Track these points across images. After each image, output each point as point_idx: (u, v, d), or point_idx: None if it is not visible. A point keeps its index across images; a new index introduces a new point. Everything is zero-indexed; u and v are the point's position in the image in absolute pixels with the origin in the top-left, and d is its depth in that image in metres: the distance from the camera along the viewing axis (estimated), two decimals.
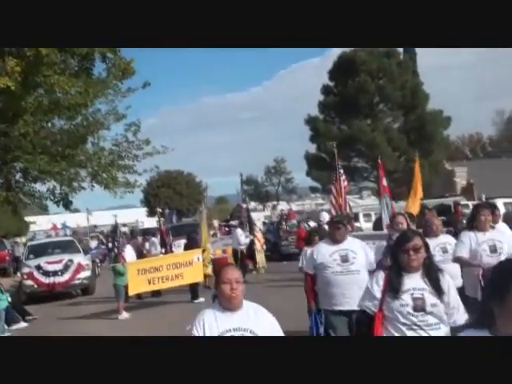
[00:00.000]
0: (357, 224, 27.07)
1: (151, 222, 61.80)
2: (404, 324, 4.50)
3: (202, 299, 16.70)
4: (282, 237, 27.86)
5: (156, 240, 21.07)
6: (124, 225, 51.72)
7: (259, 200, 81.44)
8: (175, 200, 67.22)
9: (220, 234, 27.48)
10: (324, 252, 7.18)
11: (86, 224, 55.77)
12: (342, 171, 17.39)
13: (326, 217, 31.86)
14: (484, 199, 27.22)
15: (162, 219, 21.66)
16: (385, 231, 14.89)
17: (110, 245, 31.90)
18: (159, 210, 23.69)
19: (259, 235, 23.94)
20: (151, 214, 69.62)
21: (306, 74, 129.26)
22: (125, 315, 15.54)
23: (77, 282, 20.55)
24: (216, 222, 32.02)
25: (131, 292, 16.39)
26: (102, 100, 17.33)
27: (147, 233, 35.06)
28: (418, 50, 51.71)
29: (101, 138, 18.32)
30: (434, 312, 4.52)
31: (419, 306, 4.49)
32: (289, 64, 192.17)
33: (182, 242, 25.46)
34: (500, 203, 26.42)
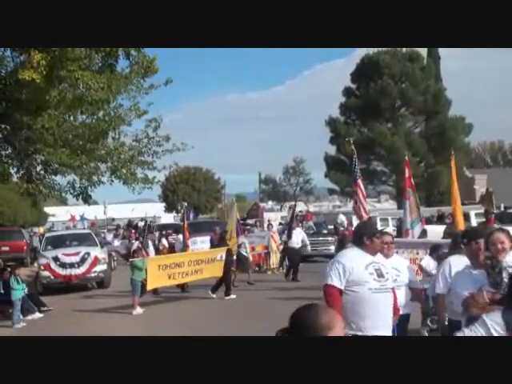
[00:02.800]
0: None
1: (169, 218, 62.11)
2: None
3: (233, 296, 16.91)
4: None
5: (181, 237, 21.23)
6: (142, 219, 51.98)
7: (277, 200, 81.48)
8: (193, 196, 67.41)
9: None
10: (359, 263, 5.88)
11: (104, 216, 56.18)
12: (359, 172, 16.96)
13: (343, 219, 31.91)
14: (503, 208, 27.06)
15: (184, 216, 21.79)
16: (415, 239, 14.36)
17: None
18: (184, 205, 23.82)
19: (276, 236, 24.02)
20: (169, 209, 69.93)
21: (329, 74, 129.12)
22: (139, 310, 15.62)
23: (93, 274, 20.77)
24: None
25: (150, 287, 16.50)
26: (124, 96, 17.44)
27: (164, 228, 35.33)
28: (442, 54, 51.49)
29: (121, 134, 18.43)
30: None
31: None
32: (313, 64, 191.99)
33: (199, 239, 25.64)
34: None
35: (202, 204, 68.05)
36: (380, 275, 5.84)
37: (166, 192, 69.03)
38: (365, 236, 6.00)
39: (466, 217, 22.59)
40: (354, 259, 5.86)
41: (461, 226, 13.76)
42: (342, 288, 5.71)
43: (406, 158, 16.57)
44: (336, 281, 5.73)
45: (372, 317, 5.71)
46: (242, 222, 37.24)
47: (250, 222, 37.43)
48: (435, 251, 10.58)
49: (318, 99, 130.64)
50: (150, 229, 38.09)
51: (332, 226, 29.97)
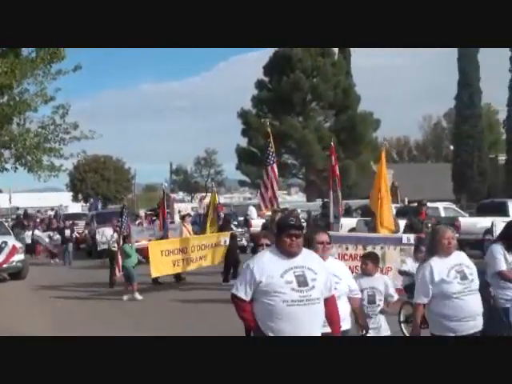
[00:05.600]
0: None
1: (76, 207, 60.78)
2: None
3: (231, 282, 16.47)
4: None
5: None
6: (52, 208, 50.50)
7: (188, 191, 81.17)
8: (102, 186, 66.17)
9: (146, 223, 27.25)
10: (273, 269, 4.87)
11: (8, 205, 54.31)
12: (273, 158, 16.15)
13: (253, 211, 32.09)
14: (407, 202, 27.95)
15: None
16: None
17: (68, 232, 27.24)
18: (164, 186, 22.95)
19: (189, 227, 23.67)
20: (76, 198, 68.38)
21: (244, 67, 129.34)
22: (138, 296, 15.30)
23: (10, 264, 19.82)
24: (142, 212, 31.67)
25: (154, 274, 16.06)
26: (30, 80, 16.88)
27: (72, 218, 34.44)
28: (352, 51, 52.47)
29: (27, 120, 17.84)
30: None
31: None
32: (229, 56, 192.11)
33: (107, 229, 25.15)
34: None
35: (111, 194, 66.87)
36: (302, 283, 4.76)
37: (74, 181, 67.39)
38: (279, 233, 4.98)
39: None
40: (266, 264, 4.87)
41: (387, 223, 13.41)
42: (248, 299, 4.86)
43: (332, 144, 15.33)
44: (241, 291, 4.88)
45: (290, 334, 4.69)
46: (151, 212, 36.85)
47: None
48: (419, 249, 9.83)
49: (233, 91, 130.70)
50: (56, 218, 37.15)
51: (242, 218, 30.11)
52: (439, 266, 5.91)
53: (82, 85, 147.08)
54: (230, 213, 34.03)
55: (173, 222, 27.64)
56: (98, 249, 25.26)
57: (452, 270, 5.87)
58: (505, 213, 23.85)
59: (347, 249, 12.02)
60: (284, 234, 4.87)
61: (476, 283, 5.92)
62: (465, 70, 46.34)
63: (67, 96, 17.21)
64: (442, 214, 24.91)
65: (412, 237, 12.41)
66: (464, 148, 47.15)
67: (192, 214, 28.68)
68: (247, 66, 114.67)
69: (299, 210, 31.60)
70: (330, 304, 5.01)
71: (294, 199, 58.37)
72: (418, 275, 6.15)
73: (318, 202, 33.76)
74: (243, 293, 4.87)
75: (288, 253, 4.84)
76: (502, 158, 49.79)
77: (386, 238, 12.36)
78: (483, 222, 22.91)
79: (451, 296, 5.80)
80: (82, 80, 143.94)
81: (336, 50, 50.20)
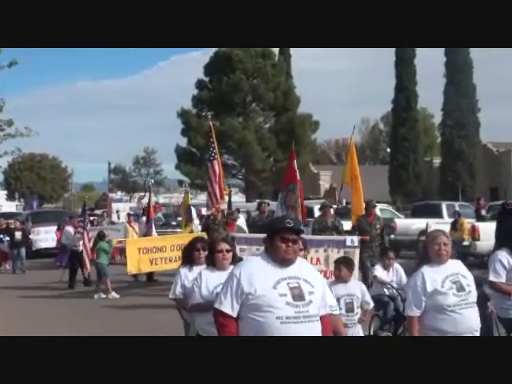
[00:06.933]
0: None
1: (11, 206, 59.34)
2: None
3: None
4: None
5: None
6: None
7: (126, 190, 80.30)
8: (38, 185, 64.84)
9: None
10: (264, 278, 4.08)
11: None
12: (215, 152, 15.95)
13: (192, 211, 31.91)
14: (344, 203, 28.33)
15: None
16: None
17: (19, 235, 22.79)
18: (150, 183, 22.40)
19: (136, 227, 23.06)
20: (11, 197, 66.82)
21: (185, 66, 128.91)
22: (114, 295, 15.09)
23: None
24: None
25: (131, 271, 15.50)
26: None
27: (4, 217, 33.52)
28: (293, 53, 52.95)
29: None
30: None
31: None
32: (169, 55, 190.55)
33: (42, 229, 24.63)
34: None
35: (47, 193, 65.57)
36: (297, 297, 4.00)
37: (9, 179, 65.83)
38: (271, 236, 4.21)
39: (310, 211, 23.36)
40: (255, 272, 4.10)
41: (355, 209, 14.12)
42: (235, 316, 4.07)
43: (293, 148, 14.82)
44: (227, 306, 4.07)
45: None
46: (89, 212, 36.25)
47: (97, 212, 36.51)
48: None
49: (173, 90, 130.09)
50: None
51: (181, 218, 29.95)
52: (432, 275, 5.32)
53: (17, 81, 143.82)
54: (170, 213, 33.82)
55: (112, 223, 27.35)
56: (33, 249, 24.78)
57: (447, 280, 5.28)
58: (439, 215, 24.50)
59: None
60: (278, 237, 4.11)
61: (473, 295, 5.37)
62: (402, 74, 47.43)
63: (2, 92, 16.74)
64: None
65: (356, 239, 12.01)
66: (400, 151, 48.16)
67: (131, 213, 28.22)
68: (188, 65, 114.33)
69: (240, 211, 31.70)
70: (322, 324, 4.20)
71: (233, 200, 58.35)
72: (409, 285, 5.55)
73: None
74: (229, 307, 4.06)
75: (282, 260, 4.10)
76: (437, 161, 51.15)
77: (329, 241, 12.23)
78: (418, 224, 23.45)
79: (446, 309, 5.23)
80: (17, 76, 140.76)
81: (276, 51, 50.49)
